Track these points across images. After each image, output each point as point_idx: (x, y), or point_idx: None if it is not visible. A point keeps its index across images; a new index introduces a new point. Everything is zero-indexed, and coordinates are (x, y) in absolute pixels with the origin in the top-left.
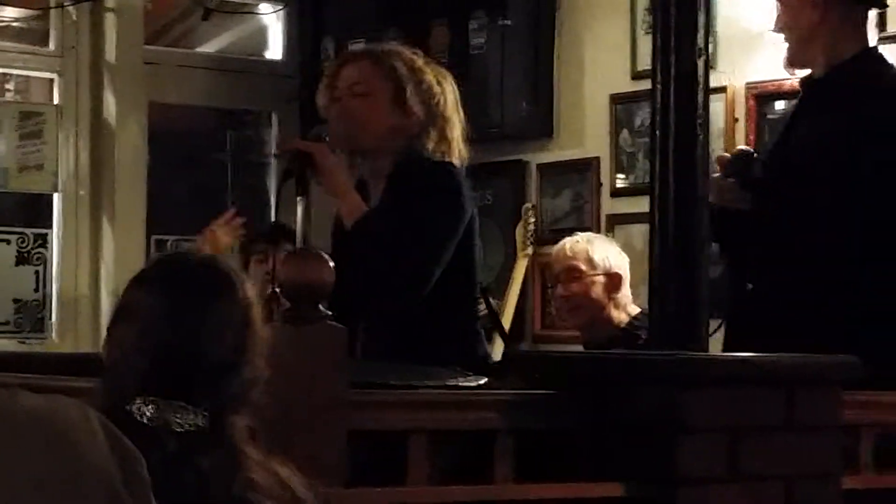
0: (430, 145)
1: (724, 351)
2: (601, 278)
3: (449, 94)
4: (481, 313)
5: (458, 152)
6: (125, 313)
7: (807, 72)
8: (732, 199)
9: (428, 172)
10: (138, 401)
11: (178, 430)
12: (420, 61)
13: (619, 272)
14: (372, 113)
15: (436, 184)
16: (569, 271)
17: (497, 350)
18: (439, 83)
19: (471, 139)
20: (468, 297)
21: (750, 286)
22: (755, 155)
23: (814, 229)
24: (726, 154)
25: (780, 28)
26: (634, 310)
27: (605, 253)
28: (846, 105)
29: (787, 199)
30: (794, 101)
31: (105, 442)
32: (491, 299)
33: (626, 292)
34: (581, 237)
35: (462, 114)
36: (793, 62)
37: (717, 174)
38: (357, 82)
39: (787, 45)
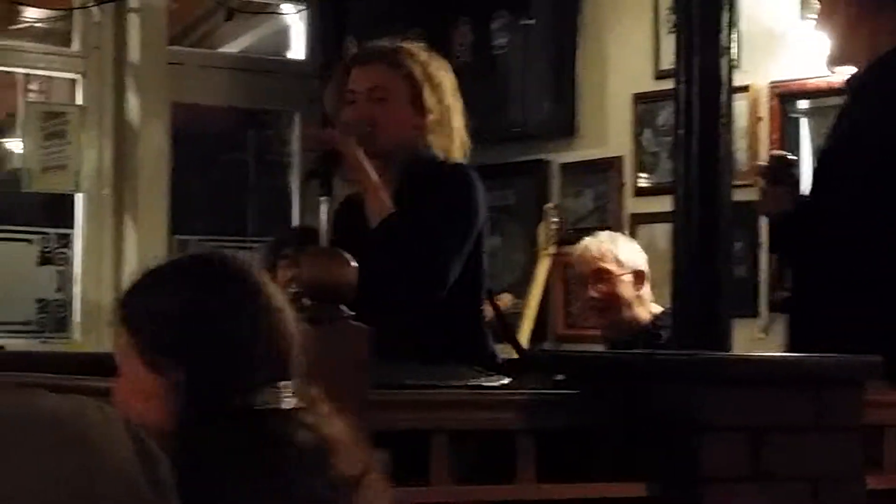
0: (437, 140)
1: (787, 350)
2: (629, 277)
3: (448, 83)
4: (489, 318)
5: (461, 142)
6: (198, 321)
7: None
8: (780, 204)
9: (444, 176)
10: (266, 390)
11: (303, 405)
12: (424, 55)
13: (644, 269)
14: (392, 116)
15: (452, 188)
16: (598, 273)
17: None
18: (441, 75)
19: (489, 137)
20: (475, 301)
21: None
22: (792, 157)
23: (858, 224)
24: (763, 162)
25: (820, 25)
26: (656, 308)
27: (629, 252)
28: (887, 97)
29: (834, 195)
30: (840, 103)
31: (128, 443)
32: (514, 299)
33: (647, 289)
34: (603, 237)
35: (461, 101)
36: (834, 60)
37: (761, 183)
38: (375, 86)
39: (829, 42)
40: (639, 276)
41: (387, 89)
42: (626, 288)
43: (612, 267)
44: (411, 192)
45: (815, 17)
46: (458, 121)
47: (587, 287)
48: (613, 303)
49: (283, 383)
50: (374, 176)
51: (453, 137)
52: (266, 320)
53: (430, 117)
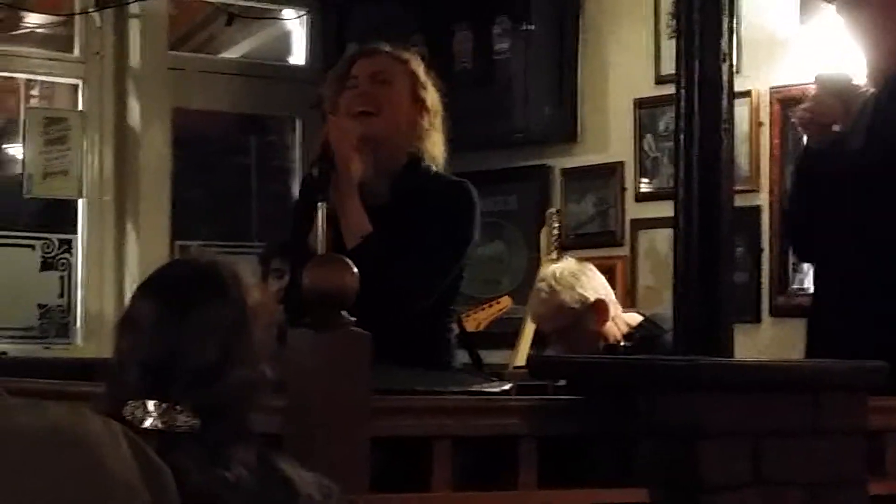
0: (428, 148)
1: (806, 356)
2: (592, 315)
3: (437, 102)
4: (456, 336)
5: (442, 157)
6: (126, 322)
7: None
8: (831, 119)
9: (446, 194)
10: (131, 404)
11: (164, 429)
12: (424, 66)
13: (602, 298)
14: (394, 99)
15: (456, 208)
16: (561, 331)
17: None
18: (433, 91)
19: (491, 142)
20: (446, 313)
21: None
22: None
23: None
24: (825, 73)
25: (870, 34)
26: (635, 319)
27: (582, 290)
28: None
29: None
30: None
31: (131, 458)
32: (517, 306)
33: (616, 309)
34: (556, 285)
35: (446, 123)
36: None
37: (814, 95)
38: (379, 71)
39: (877, 50)
40: (600, 307)
41: (391, 73)
42: (592, 326)
43: (573, 320)
44: (409, 205)
45: (859, 29)
46: (441, 136)
47: (557, 345)
48: (589, 343)
49: (165, 405)
50: (357, 197)
51: (440, 148)
52: None
53: (425, 117)
